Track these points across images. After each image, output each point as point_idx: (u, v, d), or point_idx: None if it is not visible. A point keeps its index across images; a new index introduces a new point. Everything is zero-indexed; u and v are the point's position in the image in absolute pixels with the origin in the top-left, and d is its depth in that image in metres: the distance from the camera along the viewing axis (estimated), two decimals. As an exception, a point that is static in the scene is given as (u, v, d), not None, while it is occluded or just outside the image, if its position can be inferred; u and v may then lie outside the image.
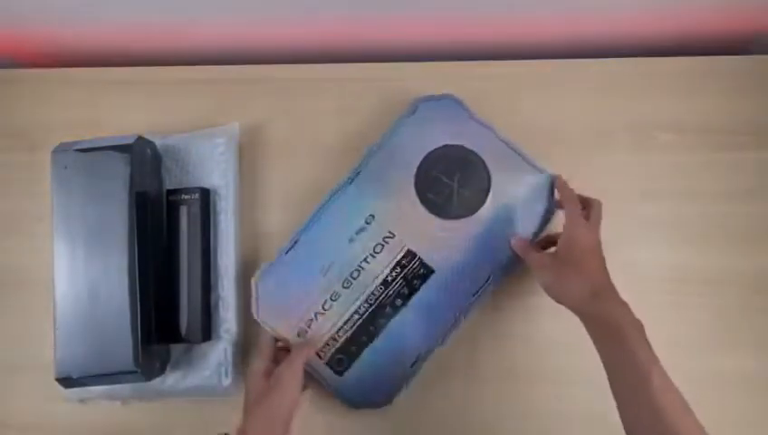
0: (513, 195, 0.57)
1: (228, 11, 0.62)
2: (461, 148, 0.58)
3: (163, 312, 0.57)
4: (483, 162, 0.58)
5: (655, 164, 0.61)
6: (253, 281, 0.57)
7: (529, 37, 0.67)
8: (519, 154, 0.58)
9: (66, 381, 0.54)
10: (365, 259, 0.57)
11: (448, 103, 0.59)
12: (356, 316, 0.57)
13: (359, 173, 0.58)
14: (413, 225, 0.57)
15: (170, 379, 0.59)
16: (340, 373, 0.56)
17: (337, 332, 0.57)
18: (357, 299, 0.57)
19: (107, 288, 0.54)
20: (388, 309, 0.57)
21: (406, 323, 0.56)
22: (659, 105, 0.62)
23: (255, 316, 0.56)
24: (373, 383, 0.57)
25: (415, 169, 0.58)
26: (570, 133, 0.60)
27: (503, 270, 0.57)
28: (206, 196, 0.60)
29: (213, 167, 0.61)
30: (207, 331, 0.59)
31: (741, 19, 0.63)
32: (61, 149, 0.57)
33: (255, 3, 0.60)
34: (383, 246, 0.57)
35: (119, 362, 0.53)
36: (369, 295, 0.57)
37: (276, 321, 0.56)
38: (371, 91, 0.64)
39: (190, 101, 0.66)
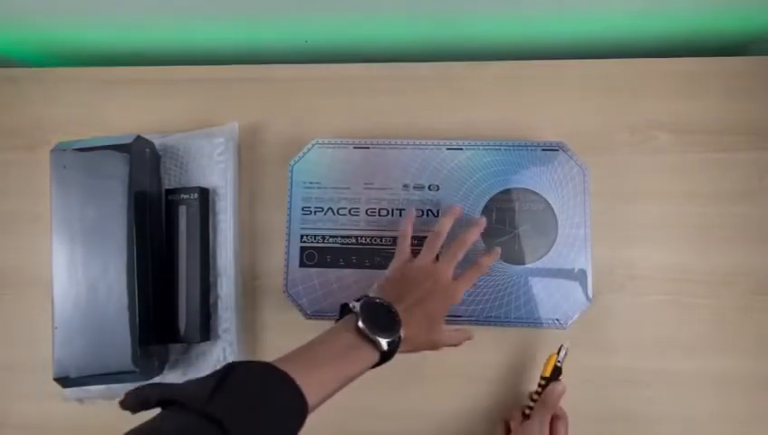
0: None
1: (228, 10, 0.62)
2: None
3: (162, 311, 0.57)
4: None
5: (655, 164, 0.61)
6: None
7: (529, 37, 0.67)
8: None
9: (64, 381, 0.55)
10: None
11: None
12: (350, 240, 0.58)
13: None
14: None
15: (169, 378, 0.58)
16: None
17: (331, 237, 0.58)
18: (364, 230, 0.58)
19: (106, 288, 0.54)
20: (376, 259, 0.58)
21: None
22: (659, 105, 0.62)
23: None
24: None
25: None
26: (570, 134, 0.60)
27: None
28: (205, 195, 0.60)
29: (212, 166, 0.61)
30: (206, 331, 0.59)
31: (741, 19, 0.63)
32: (60, 149, 0.57)
33: (255, 2, 0.60)
34: (431, 212, 0.58)
35: (117, 362, 0.53)
36: (378, 237, 0.58)
37: None
38: (371, 91, 0.64)
39: (190, 101, 0.66)
